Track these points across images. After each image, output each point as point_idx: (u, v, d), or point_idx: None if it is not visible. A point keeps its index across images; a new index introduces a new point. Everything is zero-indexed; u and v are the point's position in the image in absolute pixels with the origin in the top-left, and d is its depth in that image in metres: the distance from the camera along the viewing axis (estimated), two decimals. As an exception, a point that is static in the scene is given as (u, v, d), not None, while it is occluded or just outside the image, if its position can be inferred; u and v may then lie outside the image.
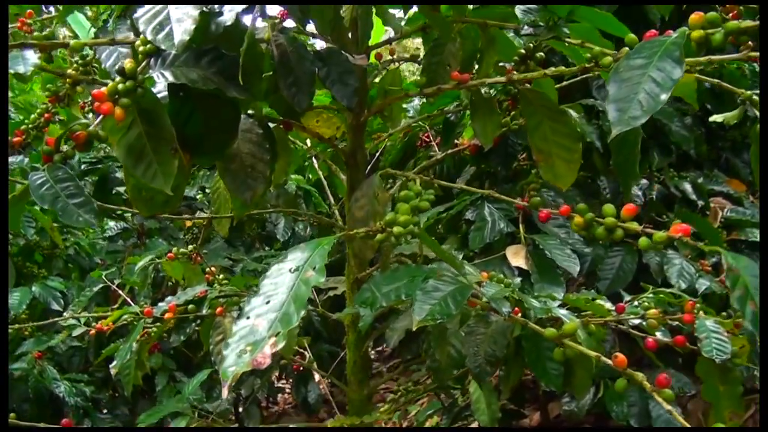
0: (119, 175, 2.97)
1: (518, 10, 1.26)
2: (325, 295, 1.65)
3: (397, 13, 1.70)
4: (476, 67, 1.47)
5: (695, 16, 0.86)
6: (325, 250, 0.83)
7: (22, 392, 2.65)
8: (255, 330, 0.74)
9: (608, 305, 1.46)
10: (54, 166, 0.93)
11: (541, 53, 1.51)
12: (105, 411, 2.96)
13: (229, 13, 1.00)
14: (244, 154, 1.22)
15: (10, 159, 1.48)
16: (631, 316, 1.31)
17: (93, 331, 2.00)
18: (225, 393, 0.69)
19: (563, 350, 1.02)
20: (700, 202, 2.46)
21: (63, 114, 1.70)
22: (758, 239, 2.34)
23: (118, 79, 1.01)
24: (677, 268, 2.06)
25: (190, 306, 1.55)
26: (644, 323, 1.27)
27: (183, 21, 0.96)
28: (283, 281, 0.79)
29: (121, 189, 3.00)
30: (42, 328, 2.69)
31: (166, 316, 1.51)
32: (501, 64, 1.48)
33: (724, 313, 1.53)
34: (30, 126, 1.57)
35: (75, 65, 1.55)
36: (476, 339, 1.32)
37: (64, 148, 0.97)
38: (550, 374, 1.27)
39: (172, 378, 2.76)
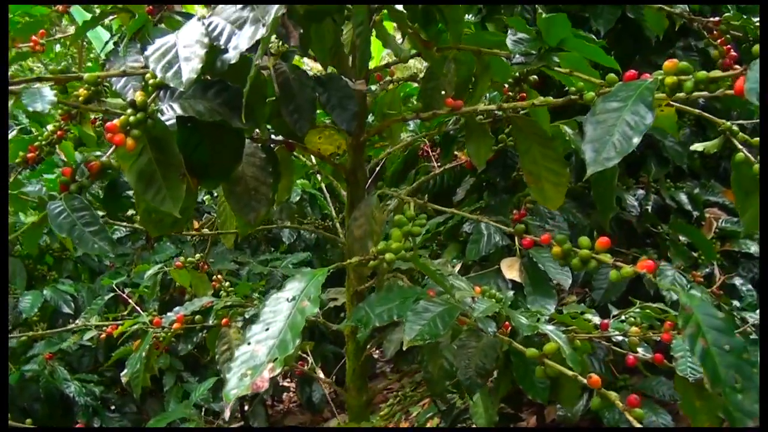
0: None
1: (509, 40, 1.32)
2: (327, 306, 1.72)
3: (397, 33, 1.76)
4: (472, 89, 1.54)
5: (669, 64, 0.93)
6: (319, 281, 0.90)
7: (33, 392, 2.73)
8: (255, 355, 0.81)
9: (596, 319, 1.52)
10: (70, 196, 1.00)
11: (534, 76, 1.58)
12: (113, 409, 3.05)
13: (233, 51, 1.06)
14: (248, 177, 1.28)
15: (24, 173, 1.55)
16: (616, 332, 1.37)
17: (103, 335, 2.09)
18: (227, 414, 0.76)
19: (544, 369, 1.09)
20: (696, 213, 2.52)
21: (75, 130, 1.76)
22: (751, 250, 2.40)
23: (129, 111, 1.08)
24: (669, 280, 2.12)
25: (197, 317, 1.62)
26: (626, 340, 1.33)
27: (191, 60, 1.03)
28: (281, 309, 0.86)
29: (131, 192, 3.07)
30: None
31: (174, 326, 1.59)
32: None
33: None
34: (43, 142, 1.64)
35: (86, 85, 1.62)
36: (468, 352, 1.39)
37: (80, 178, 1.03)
38: (536, 388, 1.33)
39: (179, 378, 2.84)
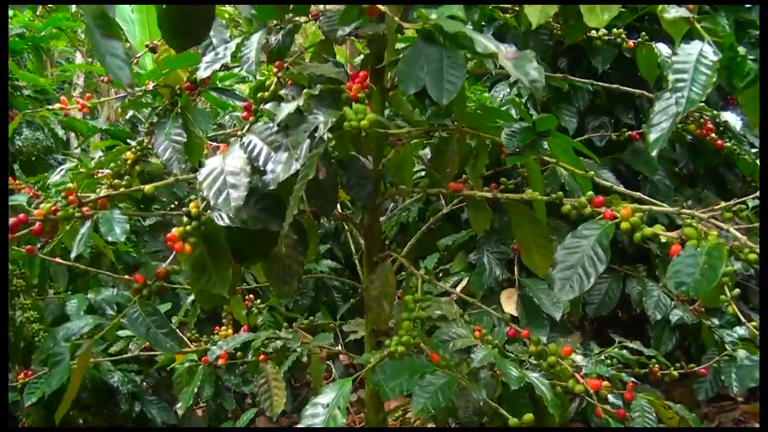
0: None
1: (504, 134, 1.53)
2: (348, 339, 1.98)
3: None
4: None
5: (626, 211, 1.15)
6: (347, 390, 1.15)
7: (81, 383, 3.02)
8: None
9: (579, 358, 1.77)
10: (143, 302, 1.25)
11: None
12: (151, 393, 3.35)
13: (272, 175, 1.28)
14: (283, 256, 1.52)
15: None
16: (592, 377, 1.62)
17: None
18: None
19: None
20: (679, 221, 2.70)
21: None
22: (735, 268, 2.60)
23: (185, 220, 1.32)
24: (654, 300, 2.34)
25: (239, 353, 1.89)
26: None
27: (237, 188, 1.26)
28: (316, 413, 1.12)
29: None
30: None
31: (219, 362, 1.85)
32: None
33: (678, 365, 1.85)
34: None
35: (134, 149, 1.86)
36: (467, 393, 1.64)
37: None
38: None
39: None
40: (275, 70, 1.49)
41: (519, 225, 1.59)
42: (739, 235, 1.19)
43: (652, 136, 1.02)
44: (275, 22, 1.60)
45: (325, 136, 1.27)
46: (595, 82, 2.01)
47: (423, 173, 2.31)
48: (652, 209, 1.30)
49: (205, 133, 1.71)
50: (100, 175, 2.27)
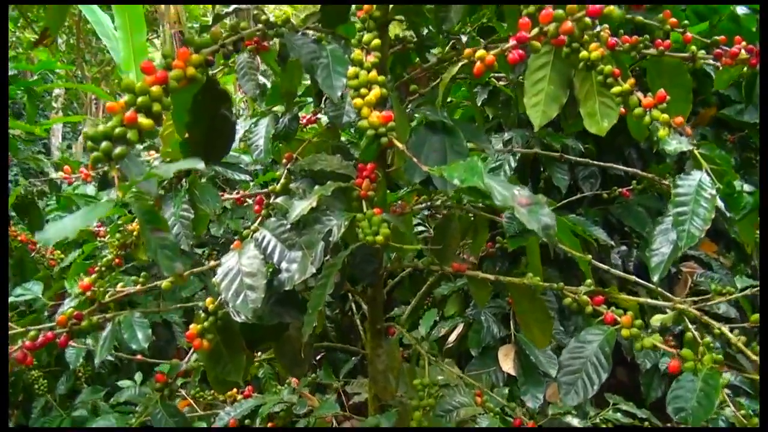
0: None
1: (504, 219, 1.60)
2: (351, 401, 2.03)
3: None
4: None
5: (626, 319, 1.22)
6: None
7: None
8: None
9: (575, 422, 1.84)
10: (165, 403, 1.30)
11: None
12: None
13: (286, 274, 1.33)
14: (293, 338, 1.57)
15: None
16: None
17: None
18: None
19: None
20: (673, 269, 2.79)
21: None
22: (720, 311, 2.69)
23: (202, 316, 1.37)
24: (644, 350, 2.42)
25: (246, 421, 1.93)
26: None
27: (255, 289, 1.30)
28: None
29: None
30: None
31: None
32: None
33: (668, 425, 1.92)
34: (103, 267, 1.92)
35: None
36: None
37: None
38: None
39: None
40: (285, 161, 1.54)
41: (519, 302, 1.65)
42: (730, 335, 1.26)
43: (654, 261, 1.08)
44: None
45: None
46: (587, 161, 2.09)
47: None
48: (647, 303, 1.37)
49: (213, 210, 1.76)
50: (101, 236, 2.32)
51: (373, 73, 1.16)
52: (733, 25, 2.37)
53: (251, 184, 2.16)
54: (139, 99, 0.85)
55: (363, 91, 1.14)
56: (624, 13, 1.01)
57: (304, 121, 1.97)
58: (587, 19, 0.99)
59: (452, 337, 2.51)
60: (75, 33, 10.21)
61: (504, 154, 2.29)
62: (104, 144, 0.75)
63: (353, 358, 2.34)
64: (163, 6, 6.22)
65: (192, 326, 1.35)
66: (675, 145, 1.07)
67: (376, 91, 1.13)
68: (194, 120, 1.11)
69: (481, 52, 1.08)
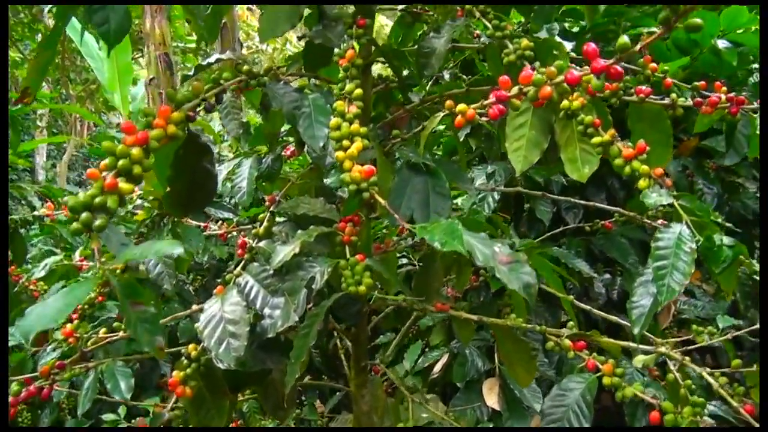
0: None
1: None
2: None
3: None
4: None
5: (607, 367, 1.22)
6: None
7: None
8: None
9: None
10: (148, 453, 1.28)
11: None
12: None
13: (270, 321, 1.33)
14: (277, 382, 1.57)
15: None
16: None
17: None
18: None
19: None
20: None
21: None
22: (706, 341, 2.70)
23: (185, 363, 1.36)
24: (628, 378, 2.42)
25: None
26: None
27: (238, 336, 1.29)
28: None
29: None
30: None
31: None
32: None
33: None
34: (86, 305, 1.90)
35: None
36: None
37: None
38: None
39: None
40: (267, 203, 1.54)
41: (503, 342, 1.65)
42: (711, 379, 1.27)
43: (635, 314, 1.09)
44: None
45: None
46: (568, 199, 2.11)
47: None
48: (629, 347, 1.37)
49: (196, 249, 1.75)
50: (83, 270, 2.30)
51: (356, 124, 1.17)
52: (714, 58, 2.40)
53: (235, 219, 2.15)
54: (120, 162, 0.85)
55: (345, 143, 1.15)
56: (602, 83, 1.02)
57: (288, 153, 1.98)
58: (565, 85, 1.00)
59: (437, 368, 2.51)
60: (60, 52, 10.21)
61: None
62: (84, 215, 0.75)
63: (337, 393, 2.34)
64: (148, 26, 6.22)
65: (174, 373, 1.34)
66: (655, 198, 1.08)
67: (358, 144, 1.13)
68: (176, 174, 1.11)
69: (461, 106, 1.09)
